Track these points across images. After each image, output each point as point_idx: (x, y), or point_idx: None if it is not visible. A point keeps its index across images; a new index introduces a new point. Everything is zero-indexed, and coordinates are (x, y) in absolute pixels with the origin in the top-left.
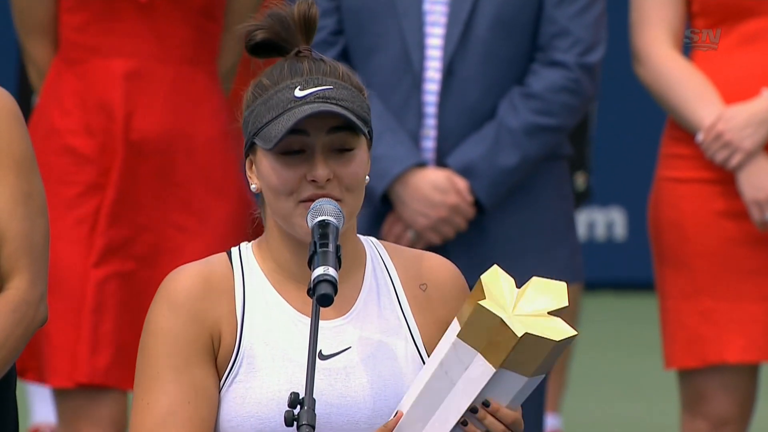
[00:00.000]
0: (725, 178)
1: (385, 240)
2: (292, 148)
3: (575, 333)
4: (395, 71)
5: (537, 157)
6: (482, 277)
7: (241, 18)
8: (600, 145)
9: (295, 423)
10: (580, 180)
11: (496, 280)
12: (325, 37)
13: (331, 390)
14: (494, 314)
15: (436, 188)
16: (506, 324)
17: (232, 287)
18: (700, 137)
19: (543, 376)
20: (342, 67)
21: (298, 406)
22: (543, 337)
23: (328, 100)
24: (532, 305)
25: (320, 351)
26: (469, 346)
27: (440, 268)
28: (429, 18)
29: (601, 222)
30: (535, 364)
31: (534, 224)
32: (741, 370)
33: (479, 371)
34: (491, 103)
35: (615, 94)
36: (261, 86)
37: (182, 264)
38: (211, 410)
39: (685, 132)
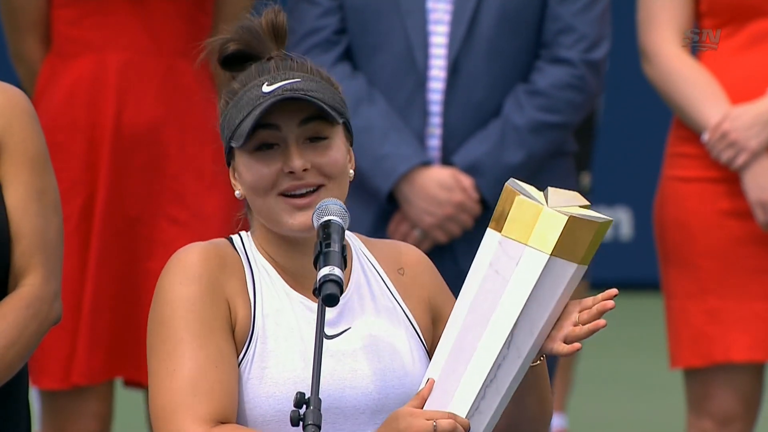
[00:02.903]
0: (731, 178)
1: (392, 239)
2: (266, 142)
3: (612, 219)
4: (399, 70)
5: (542, 154)
6: (506, 184)
7: (234, 14)
8: (606, 144)
9: (301, 423)
10: (585, 180)
11: (518, 184)
12: (328, 36)
13: (342, 366)
14: (536, 204)
15: (441, 186)
16: (550, 210)
17: (242, 267)
18: (705, 136)
19: (586, 268)
20: (311, 63)
21: (304, 406)
22: (587, 219)
23: (297, 92)
24: (560, 202)
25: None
26: (516, 241)
27: (410, 252)
28: (433, 16)
29: None
30: (581, 249)
31: None
32: (747, 368)
33: (532, 262)
34: (496, 101)
35: (621, 93)
36: (232, 91)
37: None
38: (235, 375)
39: (691, 131)
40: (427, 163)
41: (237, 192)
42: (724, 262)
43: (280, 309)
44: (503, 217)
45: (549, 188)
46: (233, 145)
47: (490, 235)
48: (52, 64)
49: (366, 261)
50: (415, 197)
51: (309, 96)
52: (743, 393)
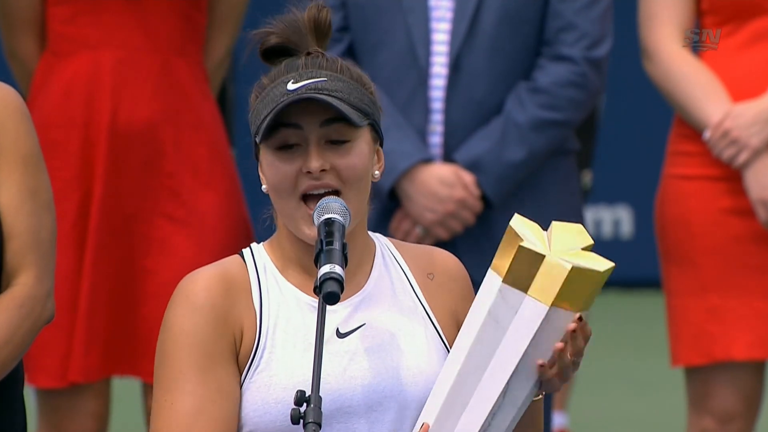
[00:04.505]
0: (732, 176)
1: (393, 236)
2: (288, 143)
3: (613, 264)
4: (401, 67)
5: (544, 151)
6: (510, 223)
7: (229, 12)
8: (607, 142)
9: (301, 421)
10: (587, 178)
11: (522, 225)
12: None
13: (354, 364)
14: (538, 253)
15: (442, 183)
16: (552, 260)
17: (248, 283)
18: (707, 134)
19: (587, 312)
20: (341, 62)
21: (305, 404)
22: (589, 269)
23: (320, 92)
24: (563, 244)
25: (337, 329)
26: (517, 290)
27: (445, 259)
28: (435, 13)
29: (607, 220)
30: (582, 298)
31: (541, 219)
32: (748, 366)
33: (531, 312)
34: (498, 98)
35: (622, 91)
36: (260, 86)
37: (173, 254)
38: (235, 409)
39: (692, 129)
40: (428, 160)
41: (263, 186)
42: (725, 260)
43: (289, 317)
44: (505, 261)
45: (553, 223)
46: (257, 140)
47: (490, 277)
48: (48, 63)
49: (392, 260)
50: (416, 194)
51: (331, 96)
52: (744, 391)
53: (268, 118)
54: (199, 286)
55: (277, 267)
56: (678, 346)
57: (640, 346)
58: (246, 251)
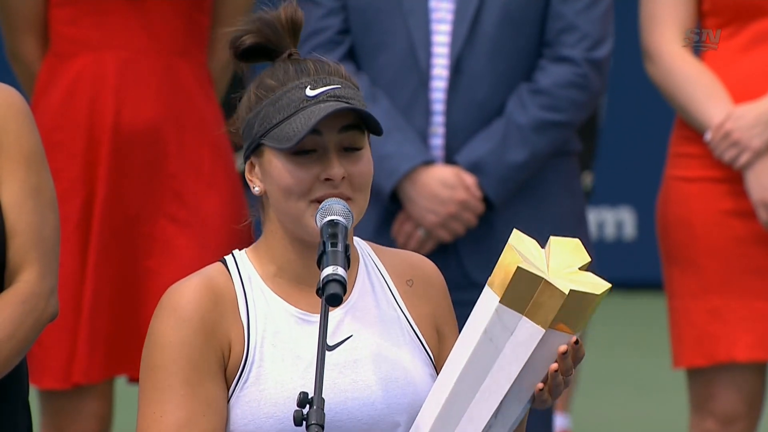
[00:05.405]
0: (734, 177)
1: (396, 239)
2: (305, 148)
3: (610, 285)
4: (402, 69)
5: (545, 152)
6: (510, 241)
7: (233, 13)
8: (609, 144)
9: (304, 422)
10: (588, 179)
11: (521, 242)
12: (331, 37)
13: (343, 378)
14: (536, 275)
15: (444, 185)
16: (550, 283)
17: (234, 295)
18: (708, 136)
19: (581, 332)
20: (342, 67)
21: (308, 406)
22: (586, 292)
23: (340, 99)
24: (561, 263)
25: None
26: (513, 311)
27: (423, 265)
28: (435, 15)
29: (610, 221)
30: (578, 320)
31: (543, 220)
32: (750, 368)
33: (527, 334)
34: (499, 100)
35: (624, 92)
36: (266, 87)
37: (176, 255)
38: (222, 423)
39: (694, 131)
40: (429, 162)
41: (256, 188)
42: (726, 262)
43: (277, 330)
44: (503, 282)
45: (551, 238)
46: (270, 144)
47: (487, 294)
48: (51, 64)
49: (373, 268)
50: (417, 196)
51: (349, 103)
52: (746, 392)
53: (291, 123)
54: (186, 298)
55: (262, 277)
56: (680, 348)
57: (643, 347)
58: (228, 259)
